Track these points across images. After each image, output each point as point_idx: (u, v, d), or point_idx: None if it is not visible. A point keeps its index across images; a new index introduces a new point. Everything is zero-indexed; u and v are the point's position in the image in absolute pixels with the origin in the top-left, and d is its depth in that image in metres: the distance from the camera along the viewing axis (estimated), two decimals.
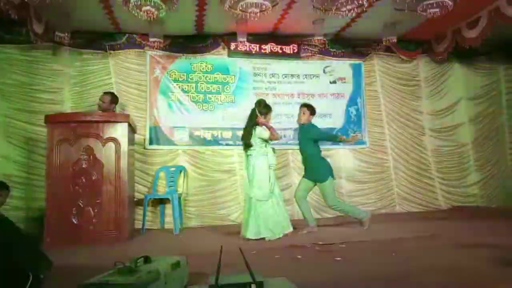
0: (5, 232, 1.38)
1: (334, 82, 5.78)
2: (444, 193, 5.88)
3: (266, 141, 3.91)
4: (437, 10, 4.10)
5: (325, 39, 5.36)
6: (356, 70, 5.86)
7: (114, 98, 4.43)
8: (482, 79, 6.21)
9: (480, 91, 6.18)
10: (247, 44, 5.37)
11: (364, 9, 4.42)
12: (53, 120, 3.75)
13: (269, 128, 3.92)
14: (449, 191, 5.91)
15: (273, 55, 5.56)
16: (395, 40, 5.22)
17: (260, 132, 3.86)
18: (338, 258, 2.55)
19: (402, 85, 6.00)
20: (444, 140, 6.05)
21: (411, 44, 5.85)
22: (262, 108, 3.98)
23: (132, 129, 4.09)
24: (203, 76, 5.43)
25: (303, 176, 4.25)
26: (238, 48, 5.41)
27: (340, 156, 5.62)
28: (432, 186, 5.85)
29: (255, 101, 4.12)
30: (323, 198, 4.16)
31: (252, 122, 3.94)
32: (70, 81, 5.04)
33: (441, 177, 5.92)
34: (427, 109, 6.03)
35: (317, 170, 4.10)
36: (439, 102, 6.08)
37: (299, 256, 2.66)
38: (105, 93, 4.45)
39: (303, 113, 4.23)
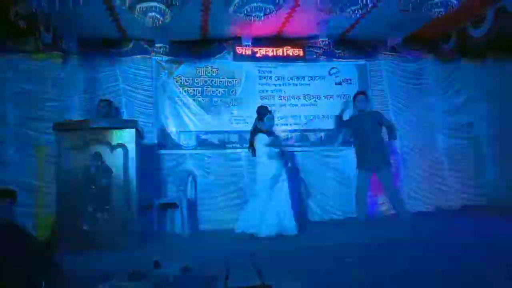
0: (16, 240, 1.40)
1: (340, 83, 5.77)
2: (457, 193, 5.77)
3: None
4: (442, 9, 4.08)
5: (329, 40, 5.37)
6: (362, 71, 5.84)
7: (111, 103, 4.75)
8: (494, 76, 6.10)
9: (493, 88, 6.03)
10: (252, 47, 5.41)
11: (368, 10, 4.42)
12: (61, 127, 3.79)
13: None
14: (462, 190, 5.79)
15: (278, 58, 5.58)
16: (400, 40, 5.20)
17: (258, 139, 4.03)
18: (349, 259, 2.54)
19: (410, 84, 5.93)
20: (458, 138, 5.94)
21: (417, 44, 5.82)
22: (257, 115, 4.14)
23: (139, 135, 4.13)
24: (209, 80, 5.46)
25: (364, 169, 4.30)
26: (243, 52, 5.44)
27: (349, 156, 5.58)
28: (444, 185, 5.76)
29: (259, 106, 4.21)
30: (386, 184, 4.23)
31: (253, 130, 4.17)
32: (79, 89, 5.09)
33: (454, 176, 5.82)
34: (438, 107, 5.95)
35: (385, 154, 4.27)
36: (451, 100, 5.99)
37: (308, 258, 2.66)
38: (102, 100, 4.73)
39: (364, 100, 4.44)
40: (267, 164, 4.02)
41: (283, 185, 3.99)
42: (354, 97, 4.53)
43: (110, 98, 4.95)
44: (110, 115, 4.64)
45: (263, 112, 4.10)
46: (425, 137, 5.87)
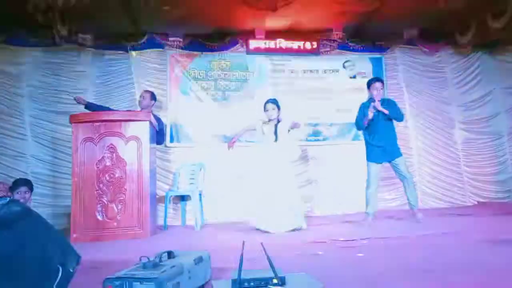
0: (34, 226, 1.43)
1: (354, 77, 5.71)
2: (473, 189, 5.68)
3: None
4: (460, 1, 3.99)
5: (344, 33, 5.30)
6: (377, 64, 5.76)
7: (153, 96, 4.61)
8: None
9: None
10: (266, 41, 5.38)
11: (384, 2, 4.34)
12: (77, 119, 3.85)
13: None
14: (479, 186, 5.70)
15: (292, 51, 5.54)
16: (416, 33, 5.11)
17: None
18: (360, 254, 2.52)
19: (427, 78, 5.83)
20: (476, 132, 5.82)
21: (434, 36, 5.70)
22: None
23: (153, 127, 4.17)
24: (222, 73, 5.47)
25: (373, 161, 4.10)
26: (257, 45, 5.42)
27: (362, 151, 5.53)
28: (460, 181, 5.66)
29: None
30: (402, 173, 4.07)
31: None
32: (94, 82, 5.16)
33: (471, 172, 5.72)
34: (456, 101, 5.83)
35: (396, 145, 4.13)
36: (469, 93, 5.87)
37: (320, 252, 2.65)
38: (145, 91, 4.65)
39: (379, 90, 4.15)
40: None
41: (287, 178, 3.98)
42: (370, 84, 4.22)
43: (121, 91, 5.02)
44: (150, 107, 4.56)
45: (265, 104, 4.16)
46: (441, 132, 5.76)
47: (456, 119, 5.82)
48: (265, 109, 4.10)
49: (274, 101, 4.12)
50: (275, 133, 4.01)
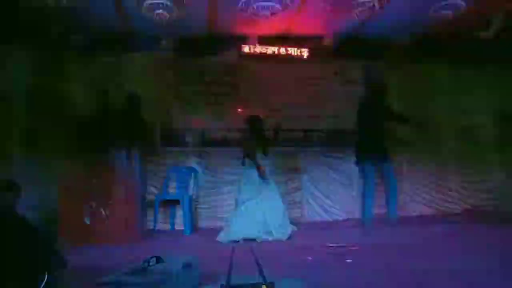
0: (21, 231, 1.41)
1: (346, 84, 5.75)
2: (461, 196, 5.75)
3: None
4: (450, 12, 4.07)
5: (336, 41, 5.35)
6: (368, 72, 5.79)
7: (139, 97, 4.74)
8: (503, 80, 6.06)
9: (504, 90, 6.00)
10: (258, 46, 5.40)
11: (377, 11, 4.40)
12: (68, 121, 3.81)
13: None
14: (466, 194, 5.78)
15: (284, 57, 5.56)
16: (408, 41, 5.18)
17: None
18: (349, 260, 2.54)
19: (417, 86, 5.90)
20: (465, 140, 5.90)
21: (425, 45, 5.78)
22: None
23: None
24: (214, 78, 5.46)
25: (368, 163, 4.06)
26: (249, 51, 5.43)
27: (352, 158, 5.57)
28: (447, 189, 5.73)
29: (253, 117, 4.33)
30: (388, 179, 4.04)
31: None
32: (85, 83, 5.11)
33: (459, 179, 5.79)
34: (445, 109, 5.91)
35: (385, 149, 4.09)
36: (458, 102, 5.94)
37: (309, 258, 2.66)
38: (131, 93, 4.74)
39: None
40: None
41: (268, 189, 4.00)
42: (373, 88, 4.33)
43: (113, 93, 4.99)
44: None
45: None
46: (430, 139, 5.83)
47: (445, 127, 5.89)
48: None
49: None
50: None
